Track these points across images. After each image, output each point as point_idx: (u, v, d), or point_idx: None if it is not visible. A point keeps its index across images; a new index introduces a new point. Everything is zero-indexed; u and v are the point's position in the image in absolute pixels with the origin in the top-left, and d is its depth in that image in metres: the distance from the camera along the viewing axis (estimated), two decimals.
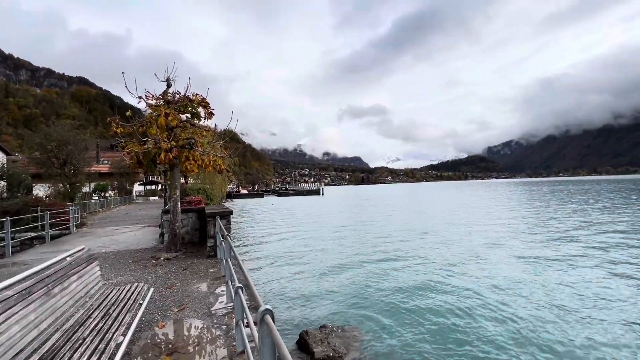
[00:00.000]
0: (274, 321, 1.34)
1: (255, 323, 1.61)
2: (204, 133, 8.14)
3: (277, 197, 75.05)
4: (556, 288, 7.26)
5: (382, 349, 4.90)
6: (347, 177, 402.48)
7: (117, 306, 2.86)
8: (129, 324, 2.64)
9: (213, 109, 7.92)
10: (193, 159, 7.40)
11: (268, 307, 1.39)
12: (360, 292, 7.41)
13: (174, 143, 6.66)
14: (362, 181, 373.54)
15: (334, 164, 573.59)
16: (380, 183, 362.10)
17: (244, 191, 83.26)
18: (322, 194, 78.80)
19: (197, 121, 7.97)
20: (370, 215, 25.57)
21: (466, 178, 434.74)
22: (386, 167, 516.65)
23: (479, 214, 23.36)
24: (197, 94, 7.85)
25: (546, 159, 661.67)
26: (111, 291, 3.37)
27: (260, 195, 77.45)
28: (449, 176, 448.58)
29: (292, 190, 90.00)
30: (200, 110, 7.87)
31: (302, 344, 5.04)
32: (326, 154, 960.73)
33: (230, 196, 64.56)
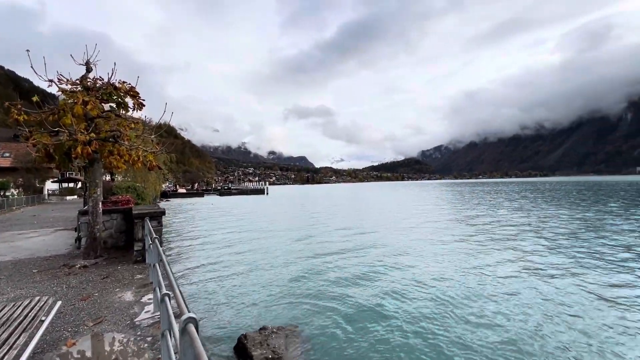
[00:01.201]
0: (198, 330, 1.27)
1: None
2: (133, 125, 7.35)
3: (218, 196, 71.67)
4: (467, 276, 8.19)
5: (323, 346, 4.96)
6: (293, 176, 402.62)
7: (7, 326, 2.39)
8: (24, 347, 2.23)
9: (144, 100, 7.19)
10: (118, 154, 6.62)
11: (191, 315, 1.30)
12: (301, 291, 7.41)
13: (94, 135, 5.88)
14: (307, 181, 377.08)
15: (279, 163, 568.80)
16: (325, 183, 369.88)
17: (182, 190, 77.70)
18: (267, 194, 77.50)
19: (124, 112, 7.16)
20: (313, 214, 25.91)
21: (403, 179, 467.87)
22: (331, 167, 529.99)
23: (410, 212, 25.27)
24: (124, 82, 7.04)
25: (469, 163, 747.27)
26: (2, 309, 2.82)
27: (200, 194, 73.09)
28: (387, 177, 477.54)
29: (235, 189, 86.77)
30: (129, 100, 7.08)
31: (241, 349, 4.86)
32: (272, 152, 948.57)
33: (166, 195, 59.76)
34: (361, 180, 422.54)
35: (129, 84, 6.97)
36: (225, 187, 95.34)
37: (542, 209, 24.57)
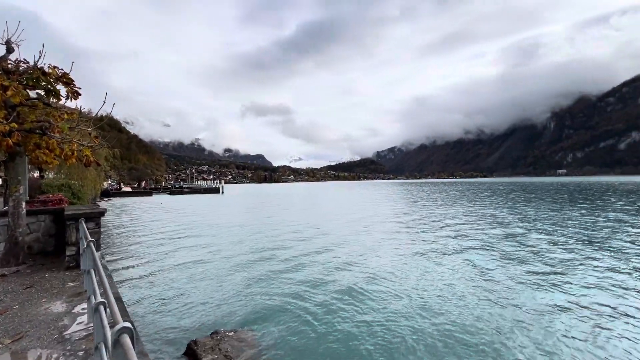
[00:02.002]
0: (134, 340, 1.19)
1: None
2: (66, 116, 6.57)
3: (169, 195, 67.41)
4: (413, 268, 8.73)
5: (278, 348, 4.92)
6: (250, 175, 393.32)
7: None
8: None
9: (80, 88, 6.46)
10: (48, 148, 5.88)
11: (125, 324, 1.21)
12: (255, 292, 7.26)
13: (16, 125, 5.16)
14: (264, 179, 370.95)
15: (236, 161, 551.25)
16: (283, 182, 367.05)
17: (127, 189, 71.62)
18: (222, 193, 74.75)
19: (56, 101, 6.38)
20: (268, 213, 25.60)
21: (359, 178, 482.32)
22: (289, 166, 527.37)
23: (363, 210, 26.17)
24: (55, 67, 6.27)
25: (420, 164, 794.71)
26: None
27: (148, 193, 68.04)
28: (344, 176, 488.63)
29: (187, 188, 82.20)
30: (61, 87, 6.32)
31: (190, 355, 4.62)
32: (228, 150, 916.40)
33: (108, 194, 54.68)
34: (319, 180, 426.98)
35: (62, 69, 6.23)
36: (177, 186, 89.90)
37: (480, 205, 26.98)
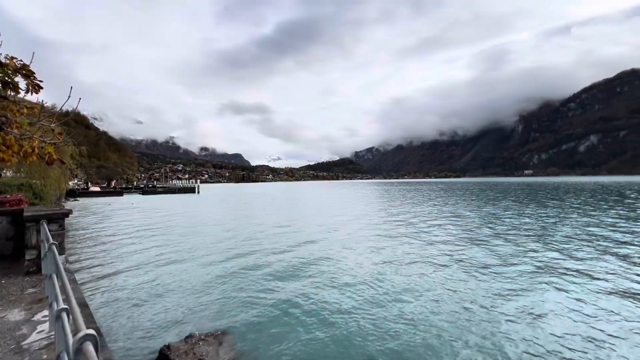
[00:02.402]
0: (98, 348, 1.13)
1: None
2: (26, 110, 6.14)
3: (141, 195, 64.77)
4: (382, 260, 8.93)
5: (255, 350, 4.86)
6: (227, 174, 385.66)
7: None
8: None
9: (41, 81, 6.03)
10: (5, 144, 5.47)
11: (88, 331, 1.14)
12: (230, 294, 7.13)
13: None
14: (242, 179, 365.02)
15: (212, 160, 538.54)
16: (262, 181, 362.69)
17: (96, 188, 68.06)
18: (198, 192, 72.81)
19: (14, 94, 5.94)
20: (244, 213, 25.26)
21: (338, 178, 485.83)
22: (267, 166, 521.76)
23: (340, 209, 26.43)
24: (13, 58, 5.84)
25: (397, 164, 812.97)
26: None
27: (118, 193, 64.99)
28: (323, 176, 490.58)
29: (161, 187, 79.35)
30: (20, 80, 5.90)
31: None
32: (204, 149, 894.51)
33: (74, 194, 51.73)
34: (298, 179, 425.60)
35: (21, 60, 5.81)
36: (150, 185, 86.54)
37: (452, 204, 28.01)
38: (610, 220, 17.22)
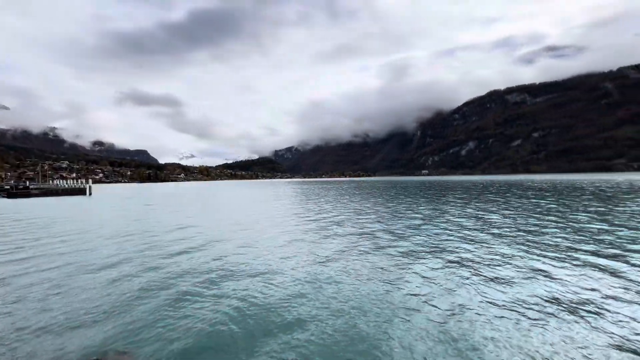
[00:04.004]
0: None
1: None
2: None
3: (6, 198, 52.94)
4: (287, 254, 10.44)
5: None
6: (129, 173, 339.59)
7: None
8: None
9: None
10: None
11: None
12: (134, 308, 6.64)
13: None
14: (148, 178, 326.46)
15: (110, 156, 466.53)
16: (172, 181, 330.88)
17: None
18: (90, 194, 63.16)
19: None
20: (147, 216, 23.88)
21: (257, 177, 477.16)
22: (179, 164, 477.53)
23: (254, 208, 27.29)
24: None
25: (315, 163, 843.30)
26: None
27: None
28: (242, 175, 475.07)
29: (36, 189, 65.98)
30: None
31: None
32: (98, 143, 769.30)
33: None
34: (214, 179, 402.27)
35: None
36: (20, 186, 70.99)
37: (359, 200, 31.64)
38: (470, 210, 22.35)
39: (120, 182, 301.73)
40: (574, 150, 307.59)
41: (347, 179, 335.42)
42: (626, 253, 9.80)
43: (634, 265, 8.62)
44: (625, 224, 14.51)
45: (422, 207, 24.26)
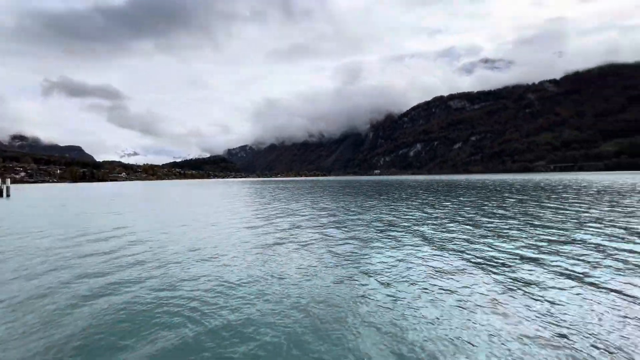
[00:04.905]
0: None
1: None
2: None
3: None
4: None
5: None
6: (59, 171, 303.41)
7: None
8: None
9: None
10: None
11: None
12: (62, 324, 6.04)
13: None
14: (83, 178, 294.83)
15: (34, 153, 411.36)
16: (112, 180, 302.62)
17: None
18: (8, 196, 55.78)
19: None
20: (75, 222, 22.34)
21: (209, 177, 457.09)
22: (120, 162, 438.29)
23: (201, 209, 26.88)
24: None
25: (270, 163, 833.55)
26: None
27: None
28: (192, 174, 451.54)
29: None
30: None
31: None
32: (19, 137, 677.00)
33: None
34: (161, 178, 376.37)
35: None
36: None
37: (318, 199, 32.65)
38: (416, 204, 24.48)
39: (48, 181, 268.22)
40: (505, 152, 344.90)
41: (304, 178, 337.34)
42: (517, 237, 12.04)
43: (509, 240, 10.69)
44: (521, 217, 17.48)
45: (368, 204, 26.10)
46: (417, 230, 14.94)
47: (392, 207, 25.22)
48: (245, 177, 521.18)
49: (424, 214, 20.44)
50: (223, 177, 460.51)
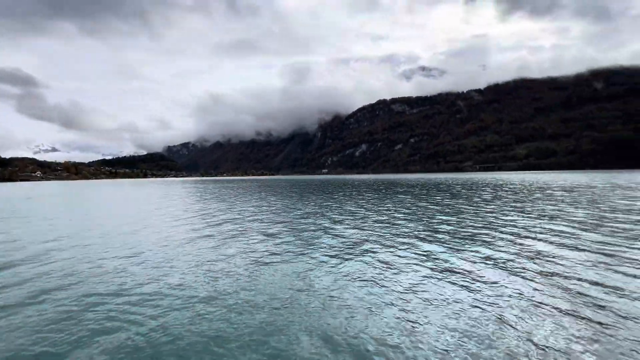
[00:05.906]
0: None
1: None
2: None
3: None
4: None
5: None
6: None
7: None
8: None
9: None
10: None
11: None
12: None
13: None
14: None
15: None
16: (24, 180, 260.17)
17: None
18: None
19: None
20: None
21: (145, 176, 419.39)
22: (34, 159, 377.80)
23: (136, 212, 25.07)
24: None
25: (215, 161, 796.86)
26: None
27: None
28: (125, 173, 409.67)
29: None
30: None
31: None
32: None
33: None
34: (87, 178, 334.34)
35: None
36: None
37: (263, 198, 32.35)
38: (360, 201, 25.71)
39: None
40: (439, 154, 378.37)
41: (251, 177, 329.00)
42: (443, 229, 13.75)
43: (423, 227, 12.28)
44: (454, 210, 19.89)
45: (313, 203, 26.89)
46: (360, 227, 16.09)
47: (336, 205, 26.45)
48: (187, 176, 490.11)
49: (367, 212, 21.90)
50: (162, 177, 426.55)
